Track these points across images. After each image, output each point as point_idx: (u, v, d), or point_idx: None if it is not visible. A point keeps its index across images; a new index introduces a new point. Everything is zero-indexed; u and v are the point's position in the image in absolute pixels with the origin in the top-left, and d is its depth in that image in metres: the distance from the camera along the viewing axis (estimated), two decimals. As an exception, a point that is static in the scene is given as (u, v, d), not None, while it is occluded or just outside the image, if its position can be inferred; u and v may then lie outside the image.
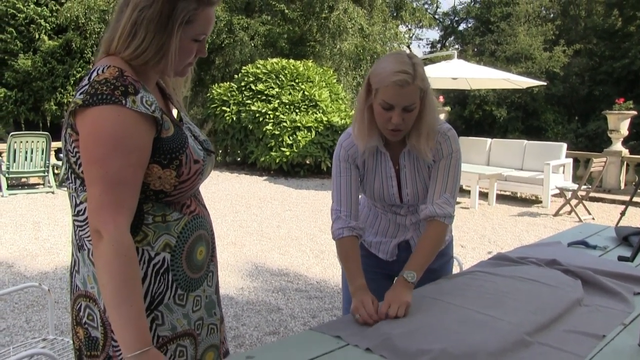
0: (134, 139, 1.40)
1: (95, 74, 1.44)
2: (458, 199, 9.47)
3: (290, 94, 13.68)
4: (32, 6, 17.92)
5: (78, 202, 1.50)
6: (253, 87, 13.98)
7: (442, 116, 2.45)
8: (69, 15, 17.20)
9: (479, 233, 7.78)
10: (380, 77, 1.93)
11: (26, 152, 10.15)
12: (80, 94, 1.42)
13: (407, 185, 2.19)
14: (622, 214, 3.62)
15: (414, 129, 2.04)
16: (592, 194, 10.10)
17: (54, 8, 18.21)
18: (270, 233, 7.58)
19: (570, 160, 10.96)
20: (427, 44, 39.81)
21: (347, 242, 2.10)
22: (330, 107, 13.73)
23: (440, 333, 1.68)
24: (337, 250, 2.13)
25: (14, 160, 10.02)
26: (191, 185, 1.55)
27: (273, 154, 13.01)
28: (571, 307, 1.93)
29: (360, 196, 2.29)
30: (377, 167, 2.18)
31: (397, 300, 1.85)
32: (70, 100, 1.45)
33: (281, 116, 13.23)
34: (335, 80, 15.27)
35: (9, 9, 17.63)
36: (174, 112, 1.66)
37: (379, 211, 2.34)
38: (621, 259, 2.42)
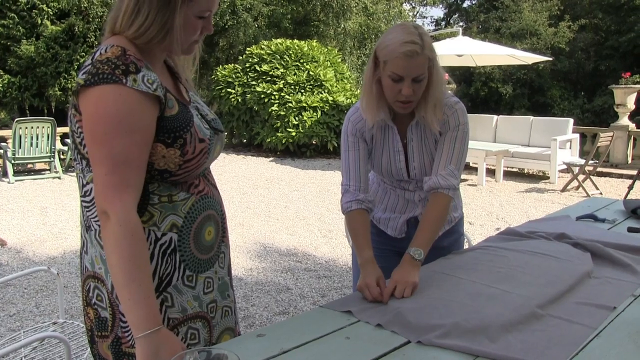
0: (137, 117, 1.39)
1: (98, 53, 1.43)
2: (465, 176, 9.46)
3: (295, 74, 13.63)
4: (33, -9, 17.86)
5: (85, 182, 1.50)
6: (258, 68, 13.93)
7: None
8: (70, -1, 17.14)
9: (486, 210, 7.77)
10: (389, 49, 1.90)
11: (32, 138, 10.15)
12: (83, 73, 1.41)
13: (414, 159, 2.17)
14: (630, 187, 3.62)
15: (422, 99, 2.02)
16: (599, 169, 10.05)
17: (55, -8, 18.14)
18: (278, 214, 7.58)
19: (577, 135, 10.90)
20: (432, 22, 39.47)
21: (356, 215, 2.08)
22: (336, 86, 13.68)
23: (452, 307, 1.68)
24: (346, 224, 2.13)
25: (20, 147, 10.04)
26: (197, 164, 1.53)
27: (279, 134, 12.99)
28: (581, 280, 1.93)
29: (370, 172, 2.29)
30: (384, 142, 2.17)
31: (403, 280, 1.83)
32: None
33: (286, 97, 13.19)
34: (340, 60, 15.19)
35: (10, -6, 17.59)
36: (183, 90, 1.65)
37: (388, 187, 2.34)
38: (631, 230, 2.42)
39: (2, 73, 17.91)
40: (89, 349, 1.62)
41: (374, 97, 2.02)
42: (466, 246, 2.91)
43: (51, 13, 18.12)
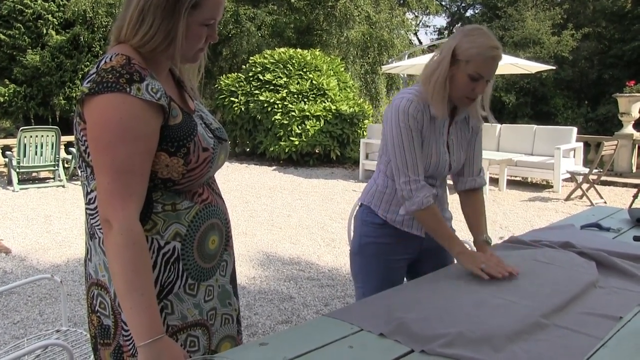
0: (140, 126, 1.39)
1: (103, 62, 1.44)
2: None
3: (298, 83, 13.65)
4: (39, 1, 17.97)
5: (89, 190, 1.50)
6: (261, 77, 13.96)
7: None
8: (76, 9, 17.22)
9: (490, 219, 7.72)
10: (475, 51, 2.05)
11: (36, 147, 10.17)
12: (88, 82, 1.41)
13: (454, 152, 2.29)
14: (635, 196, 3.62)
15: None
16: (603, 178, 10.03)
17: (61, 3, 18.25)
18: (281, 222, 7.58)
19: (581, 144, 10.89)
20: (434, 31, 39.58)
21: (436, 209, 2.20)
22: (339, 95, 13.70)
23: (456, 317, 1.67)
24: (427, 218, 2.19)
25: (24, 155, 10.05)
26: (200, 173, 1.53)
27: (282, 143, 13.00)
28: (587, 289, 1.92)
29: (381, 175, 2.36)
30: (432, 134, 2.22)
31: (495, 259, 2.07)
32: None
33: (289, 105, 13.21)
34: (343, 69, 15.22)
35: (16, 5, 17.69)
36: (188, 99, 1.65)
37: None
38: (637, 239, 2.41)
39: (7, 82, 18.00)
40: (92, 356, 1.62)
41: (445, 92, 2.13)
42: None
43: (56, 23, 18.23)
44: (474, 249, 2.26)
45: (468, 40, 2.08)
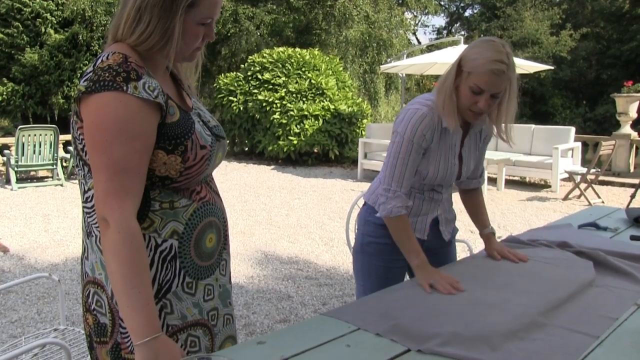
0: (137, 125, 1.39)
1: (100, 60, 1.43)
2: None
3: (297, 82, 13.65)
4: (38, 0, 17.91)
5: (86, 188, 1.50)
6: (260, 76, 13.95)
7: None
8: (75, 8, 17.17)
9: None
10: (477, 62, 2.00)
11: (34, 146, 10.16)
12: (85, 80, 1.41)
13: (465, 163, 2.30)
14: (633, 196, 3.62)
15: (493, 112, 2.15)
16: (601, 178, 10.05)
17: (59, 1, 18.19)
18: (279, 221, 7.58)
19: (579, 144, 10.90)
20: (433, 31, 39.49)
21: (405, 219, 2.18)
22: (337, 95, 13.69)
23: (451, 316, 1.67)
24: (395, 226, 2.19)
25: (23, 154, 10.04)
26: (198, 171, 1.53)
27: (281, 143, 13.00)
28: (583, 288, 1.92)
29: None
30: (441, 146, 2.21)
31: (505, 249, 2.30)
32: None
33: (288, 105, 13.20)
34: (341, 68, 15.21)
35: (14, 4, 17.64)
36: (185, 97, 1.65)
37: (414, 191, 2.33)
38: (634, 238, 2.41)
39: (6, 81, 17.95)
40: (89, 355, 1.62)
41: (454, 103, 2.11)
42: (467, 254, 2.90)
43: (55, 22, 18.17)
44: (470, 250, 2.27)
45: (474, 52, 2.04)
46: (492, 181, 10.23)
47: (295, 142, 12.82)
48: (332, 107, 13.20)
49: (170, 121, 1.47)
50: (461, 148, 2.27)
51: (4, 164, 10.64)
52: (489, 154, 10.34)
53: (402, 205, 2.15)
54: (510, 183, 10.75)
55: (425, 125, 2.13)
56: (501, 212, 8.21)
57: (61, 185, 10.49)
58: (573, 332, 1.59)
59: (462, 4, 36.48)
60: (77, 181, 1.55)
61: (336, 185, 10.60)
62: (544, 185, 10.67)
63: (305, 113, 13.01)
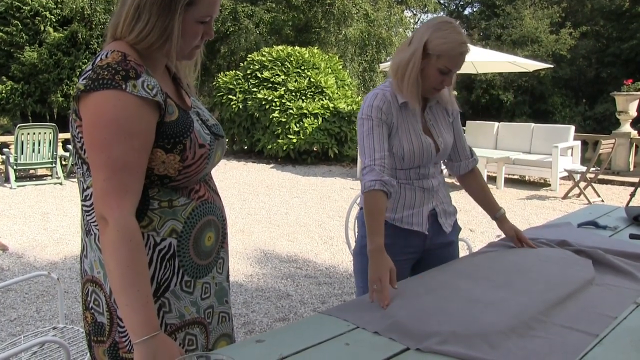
0: (136, 123, 1.39)
1: (99, 59, 1.43)
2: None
3: (296, 81, 13.64)
4: (37, -2, 17.92)
5: (85, 187, 1.50)
6: (259, 74, 13.95)
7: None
8: (74, 6, 17.16)
9: (487, 217, 7.73)
10: (447, 47, 2.13)
11: (34, 144, 10.15)
12: (84, 79, 1.41)
13: (438, 135, 2.34)
14: (632, 195, 3.61)
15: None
16: (600, 176, 10.03)
17: (58, 0, 18.18)
18: (278, 220, 7.58)
19: (579, 142, 10.90)
20: (433, 29, 39.36)
21: (376, 196, 2.11)
22: (337, 93, 13.69)
23: (450, 315, 1.67)
24: (365, 203, 2.13)
25: (22, 152, 10.03)
26: (197, 169, 1.53)
27: (280, 141, 13.00)
28: (583, 287, 1.92)
29: None
30: (405, 124, 2.27)
31: (520, 233, 2.49)
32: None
33: (287, 103, 13.20)
34: (341, 67, 15.21)
35: (14, 2, 17.63)
36: (184, 96, 1.65)
37: (403, 183, 2.32)
38: (633, 237, 2.41)
39: (5, 79, 17.95)
40: (88, 354, 1.61)
41: (419, 86, 2.21)
42: (467, 253, 2.90)
43: (54, 20, 18.16)
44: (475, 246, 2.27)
45: (439, 36, 2.14)
46: (492, 180, 10.23)
47: (294, 140, 12.82)
48: (331, 105, 13.19)
49: (169, 120, 1.47)
50: (425, 122, 2.33)
51: (3, 162, 10.63)
52: (489, 153, 10.36)
53: (375, 178, 2.10)
54: (509, 182, 10.75)
55: (378, 100, 2.23)
56: (500, 211, 8.19)
57: (60, 183, 10.48)
58: (572, 331, 1.59)
59: (461, 2, 36.45)
60: (76, 179, 1.55)
61: (335, 184, 10.60)
62: (543, 184, 10.68)
63: (305, 111, 13.00)
